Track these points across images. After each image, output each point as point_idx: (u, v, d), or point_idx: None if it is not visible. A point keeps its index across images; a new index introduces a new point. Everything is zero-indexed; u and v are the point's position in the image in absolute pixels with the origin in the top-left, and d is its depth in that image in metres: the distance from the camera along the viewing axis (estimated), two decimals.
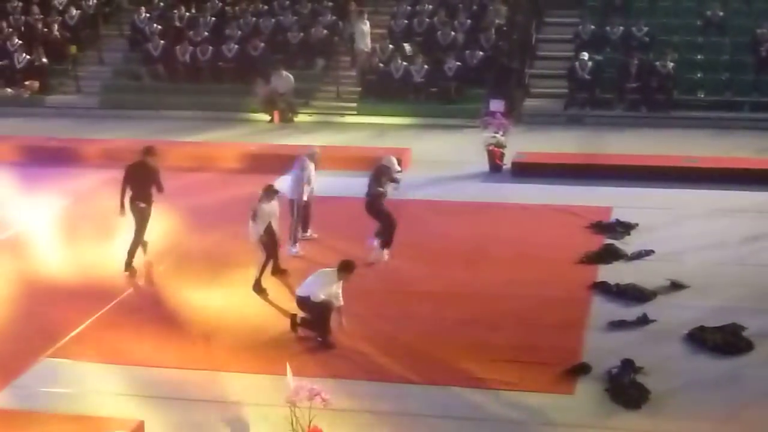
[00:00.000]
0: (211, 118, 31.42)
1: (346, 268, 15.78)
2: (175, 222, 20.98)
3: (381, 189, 19.00)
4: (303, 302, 15.75)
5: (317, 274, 15.91)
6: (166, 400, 14.01)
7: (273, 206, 17.96)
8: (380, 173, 19.18)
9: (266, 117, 31.29)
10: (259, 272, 17.79)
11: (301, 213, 19.60)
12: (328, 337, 15.52)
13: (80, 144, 27.76)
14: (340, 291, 15.68)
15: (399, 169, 19.43)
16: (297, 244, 19.47)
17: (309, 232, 20.11)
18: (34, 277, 18.55)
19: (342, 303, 15.69)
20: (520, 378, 14.43)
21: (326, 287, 15.61)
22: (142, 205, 18.48)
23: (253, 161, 25.29)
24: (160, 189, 18.62)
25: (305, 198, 19.58)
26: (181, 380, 14.58)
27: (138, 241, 18.61)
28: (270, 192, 17.95)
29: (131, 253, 18.59)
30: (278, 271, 18.24)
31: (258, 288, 17.73)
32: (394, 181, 19.34)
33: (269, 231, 17.88)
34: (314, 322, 15.67)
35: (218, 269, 18.74)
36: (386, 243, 18.92)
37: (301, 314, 15.89)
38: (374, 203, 18.93)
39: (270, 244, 17.91)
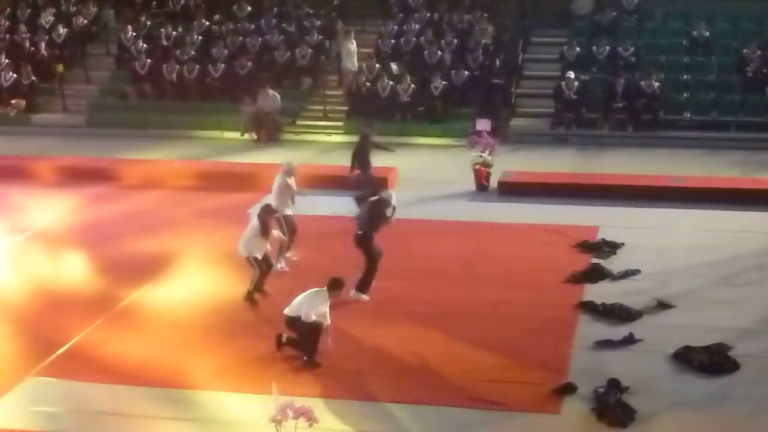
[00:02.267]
0: (198, 136, 31.43)
1: (335, 285, 15.76)
2: (157, 239, 20.97)
3: (378, 225, 18.44)
4: (292, 322, 15.69)
5: (307, 293, 15.85)
6: (152, 419, 13.96)
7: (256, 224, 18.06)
8: (378, 208, 18.55)
9: (253, 135, 31.28)
10: (252, 285, 17.86)
11: (288, 227, 19.50)
12: (314, 356, 15.48)
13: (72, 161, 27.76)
14: (327, 310, 15.64)
15: (395, 204, 18.76)
16: (282, 260, 19.43)
17: (290, 254, 19.90)
18: (24, 291, 18.50)
19: (329, 322, 15.66)
20: (507, 397, 14.41)
21: (316, 307, 15.56)
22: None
23: (240, 179, 25.24)
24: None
25: (288, 211, 19.53)
26: (167, 399, 14.54)
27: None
28: (269, 212, 18.05)
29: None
30: (262, 292, 18.21)
31: (250, 300, 17.83)
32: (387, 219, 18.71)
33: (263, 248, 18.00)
34: (302, 341, 15.62)
35: (205, 287, 18.70)
36: (365, 286, 18.27)
37: (286, 333, 15.85)
38: (366, 240, 18.39)
39: (264, 259, 17.94)
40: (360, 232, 18.37)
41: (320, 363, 15.42)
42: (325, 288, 15.73)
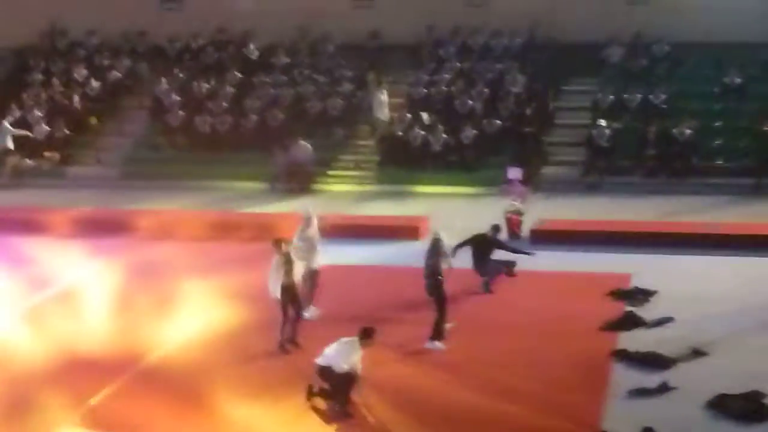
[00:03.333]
0: (230, 187, 31.55)
1: (367, 335, 15.73)
2: (192, 294, 20.97)
3: (444, 266, 18.49)
4: (324, 372, 15.65)
5: (339, 343, 15.81)
6: None
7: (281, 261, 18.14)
8: (438, 249, 18.58)
9: (285, 186, 31.37)
10: (281, 331, 17.89)
11: (312, 279, 19.50)
12: (346, 406, 15.43)
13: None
14: (359, 360, 15.60)
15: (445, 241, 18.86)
16: (311, 307, 19.41)
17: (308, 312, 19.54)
18: (50, 347, 18.51)
19: (360, 372, 15.60)
20: None
21: (349, 356, 15.53)
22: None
23: (268, 230, 25.17)
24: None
25: (313, 265, 19.48)
26: None
27: None
28: (278, 244, 18.15)
29: None
30: (294, 343, 18.22)
31: (283, 349, 17.86)
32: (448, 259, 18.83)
33: (289, 289, 18.04)
34: (334, 391, 15.57)
35: (234, 339, 18.69)
36: (439, 334, 18.27)
37: (317, 384, 15.80)
38: (436, 285, 18.37)
39: (288, 304, 18.00)
40: (429, 280, 18.39)
41: (352, 413, 15.36)
42: (357, 338, 15.70)
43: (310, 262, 19.33)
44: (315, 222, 19.86)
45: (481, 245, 21.37)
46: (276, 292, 17.94)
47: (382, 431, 14.96)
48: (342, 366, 15.41)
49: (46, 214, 27.69)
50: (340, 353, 15.58)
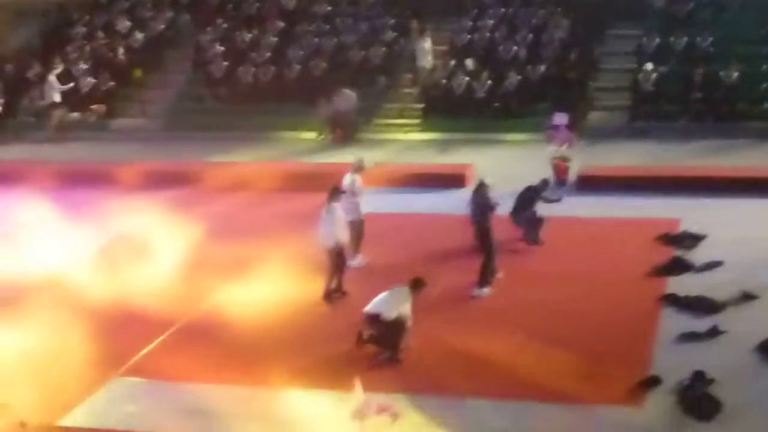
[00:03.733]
0: (274, 138, 31.56)
1: (418, 284, 15.75)
2: (238, 241, 21.07)
3: (491, 208, 18.46)
4: (373, 320, 15.69)
5: (388, 291, 15.86)
6: (235, 417, 14.06)
7: (341, 210, 18.14)
8: (483, 195, 18.59)
9: (329, 136, 31.36)
10: (327, 281, 17.97)
11: (357, 228, 19.50)
12: (396, 353, 15.49)
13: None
14: (409, 308, 15.63)
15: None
16: (358, 255, 19.48)
17: (356, 260, 19.66)
18: (102, 300, 18.69)
19: (410, 321, 15.64)
20: (590, 392, 14.33)
21: (398, 305, 15.57)
22: None
23: (314, 179, 25.18)
24: None
25: (359, 215, 19.47)
26: (250, 397, 14.65)
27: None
28: (335, 192, 18.16)
29: None
30: (341, 292, 18.30)
31: (328, 298, 17.93)
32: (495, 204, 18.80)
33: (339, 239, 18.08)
34: (383, 338, 15.63)
35: (285, 285, 18.78)
36: (485, 281, 18.31)
37: (366, 331, 15.86)
38: (483, 231, 18.41)
39: (339, 253, 18.03)
40: (476, 226, 18.44)
41: (401, 359, 15.43)
42: (407, 286, 15.73)
43: (357, 212, 19.34)
44: (364, 170, 19.87)
45: (526, 196, 21.23)
46: (328, 241, 17.95)
47: (430, 377, 14.99)
48: (391, 314, 15.45)
49: (106, 168, 27.94)
50: (390, 302, 15.62)
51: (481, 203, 18.42)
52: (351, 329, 16.28)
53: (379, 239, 20.12)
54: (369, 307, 15.82)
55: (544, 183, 21.43)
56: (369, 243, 19.87)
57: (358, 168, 19.75)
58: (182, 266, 19.81)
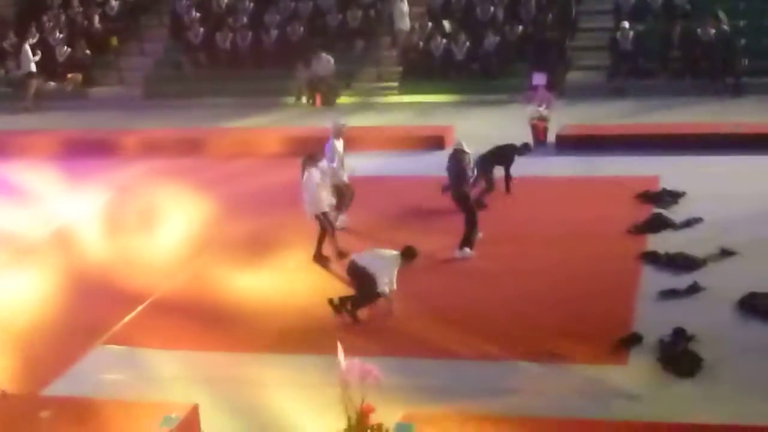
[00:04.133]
0: (253, 104, 31.49)
1: (410, 255, 15.72)
2: (220, 209, 21.08)
3: (466, 175, 18.43)
4: (358, 271, 15.69)
5: (382, 252, 15.85)
6: (220, 383, 14.06)
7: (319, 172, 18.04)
8: (458, 159, 18.46)
9: (308, 100, 31.31)
10: (317, 247, 17.94)
11: (342, 192, 19.44)
12: (357, 313, 15.51)
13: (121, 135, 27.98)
14: (395, 275, 15.65)
15: (468, 151, 18.74)
16: (340, 217, 19.40)
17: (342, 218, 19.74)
18: (86, 268, 18.71)
19: (395, 287, 15.63)
20: (573, 350, 14.35)
21: (389, 270, 15.57)
22: None
23: (296, 145, 25.15)
24: None
25: (343, 177, 19.40)
26: (233, 363, 14.66)
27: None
28: (310, 159, 18.05)
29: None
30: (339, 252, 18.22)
31: (320, 260, 17.87)
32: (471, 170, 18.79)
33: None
34: (358, 294, 15.64)
35: (265, 252, 18.79)
36: (468, 242, 18.20)
37: (337, 298, 15.88)
38: (461, 195, 18.37)
39: (325, 217, 18.03)
40: (453, 190, 18.43)
41: (361, 321, 15.47)
42: (398, 254, 15.69)
43: (340, 175, 19.29)
44: (343, 135, 19.80)
45: (504, 156, 21.20)
46: (311, 207, 17.88)
47: (413, 339, 15.02)
48: (381, 279, 15.44)
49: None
50: (383, 265, 15.56)
51: (457, 169, 18.38)
52: (331, 291, 16.33)
53: (359, 202, 20.09)
54: (357, 257, 15.87)
55: (526, 147, 21.45)
56: (350, 206, 19.86)
57: (337, 132, 19.66)
58: (167, 233, 19.85)
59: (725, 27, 29.76)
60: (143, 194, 22.47)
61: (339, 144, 19.45)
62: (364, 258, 15.77)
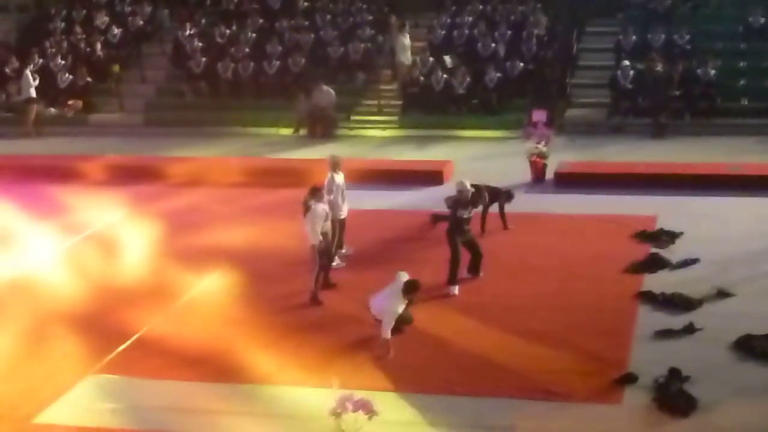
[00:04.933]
0: (253, 133, 31.58)
1: (411, 290, 15.73)
2: (219, 236, 21.10)
3: (459, 215, 18.38)
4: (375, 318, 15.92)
5: (393, 291, 15.90)
6: (213, 414, 14.03)
7: (324, 208, 18.00)
8: (454, 206, 18.51)
9: (308, 132, 31.36)
10: (314, 282, 17.87)
11: (338, 227, 19.37)
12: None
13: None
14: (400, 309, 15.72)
15: (471, 189, 18.68)
16: (337, 258, 19.35)
17: (344, 249, 19.83)
18: (84, 289, 18.71)
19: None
20: (567, 388, 14.35)
21: (396, 306, 15.64)
22: None
23: (295, 176, 25.16)
24: None
25: (340, 213, 19.30)
26: (227, 394, 14.62)
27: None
28: (316, 192, 17.98)
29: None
30: (328, 286, 18.27)
31: (315, 300, 17.80)
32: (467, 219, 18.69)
33: (325, 236, 17.95)
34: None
35: (263, 283, 18.79)
36: (454, 278, 18.23)
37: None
38: (448, 234, 18.43)
39: (326, 250, 17.98)
40: (448, 228, 18.52)
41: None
42: (401, 290, 15.70)
43: (339, 210, 19.27)
44: (341, 168, 19.79)
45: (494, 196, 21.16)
46: (316, 238, 17.84)
47: (409, 374, 15.00)
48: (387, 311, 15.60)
49: (76, 162, 27.88)
50: (389, 305, 15.67)
51: (453, 205, 18.49)
52: (327, 324, 16.39)
53: (359, 235, 20.16)
54: (371, 305, 16.06)
55: (508, 195, 21.34)
56: (348, 240, 19.88)
57: (334, 165, 19.65)
58: (157, 260, 19.87)
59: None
60: (130, 222, 22.49)
61: (339, 177, 19.44)
62: (375, 305, 15.87)
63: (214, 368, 15.43)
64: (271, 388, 14.73)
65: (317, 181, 19.04)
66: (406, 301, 15.75)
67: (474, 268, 18.64)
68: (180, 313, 17.74)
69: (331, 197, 18.94)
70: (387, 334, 15.44)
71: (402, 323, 15.96)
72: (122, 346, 16.25)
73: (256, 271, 19.35)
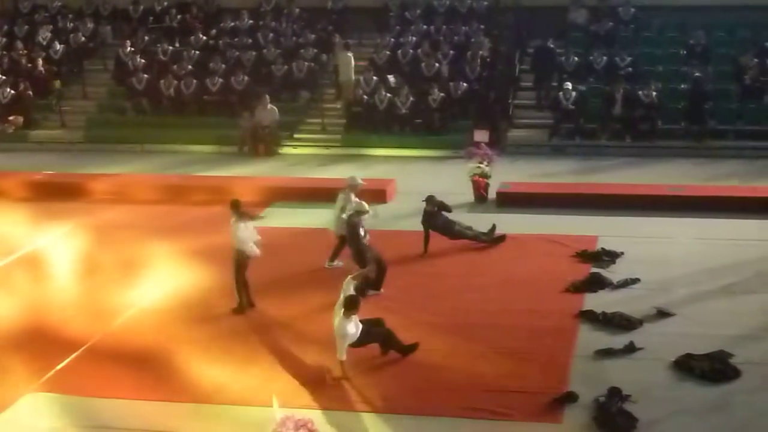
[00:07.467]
0: (195, 152, 31.42)
1: (353, 306, 15.59)
2: (158, 257, 20.96)
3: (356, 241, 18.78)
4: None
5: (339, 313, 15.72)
6: None
7: (249, 227, 18.22)
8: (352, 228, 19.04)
9: (251, 150, 31.25)
10: (238, 294, 18.07)
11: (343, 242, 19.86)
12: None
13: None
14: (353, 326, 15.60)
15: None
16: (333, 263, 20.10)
17: (335, 262, 20.27)
18: (18, 311, 18.49)
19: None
20: (509, 407, 14.39)
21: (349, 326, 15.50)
22: None
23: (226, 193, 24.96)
24: None
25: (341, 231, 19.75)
26: (168, 413, 14.50)
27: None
28: (238, 210, 18.21)
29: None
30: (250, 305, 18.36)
31: (240, 310, 17.97)
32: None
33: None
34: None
35: (202, 301, 18.68)
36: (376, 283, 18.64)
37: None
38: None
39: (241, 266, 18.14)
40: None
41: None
42: (344, 307, 15.59)
43: (341, 228, 19.75)
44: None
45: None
46: (252, 251, 17.95)
47: (351, 394, 14.97)
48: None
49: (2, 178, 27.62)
50: (336, 319, 15.53)
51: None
52: (264, 343, 16.40)
53: (293, 253, 20.18)
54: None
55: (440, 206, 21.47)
56: (287, 259, 19.93)
57: (353, 186, 20.13)
58: (87, 280, 19.75)
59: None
60: (80, 239, 22.27)
61: (353, 198, 19.92)
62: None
63: (154, 386, 15.32)
64: (211, 407, 14.63)
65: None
66: (352, 318, 15.59)
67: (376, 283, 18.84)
68: (116, 334, 17.56)
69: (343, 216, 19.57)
70: (340, 356, 15.36)
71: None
72: (61, 364, 16.08)
73: (191, 291, 19.23)
